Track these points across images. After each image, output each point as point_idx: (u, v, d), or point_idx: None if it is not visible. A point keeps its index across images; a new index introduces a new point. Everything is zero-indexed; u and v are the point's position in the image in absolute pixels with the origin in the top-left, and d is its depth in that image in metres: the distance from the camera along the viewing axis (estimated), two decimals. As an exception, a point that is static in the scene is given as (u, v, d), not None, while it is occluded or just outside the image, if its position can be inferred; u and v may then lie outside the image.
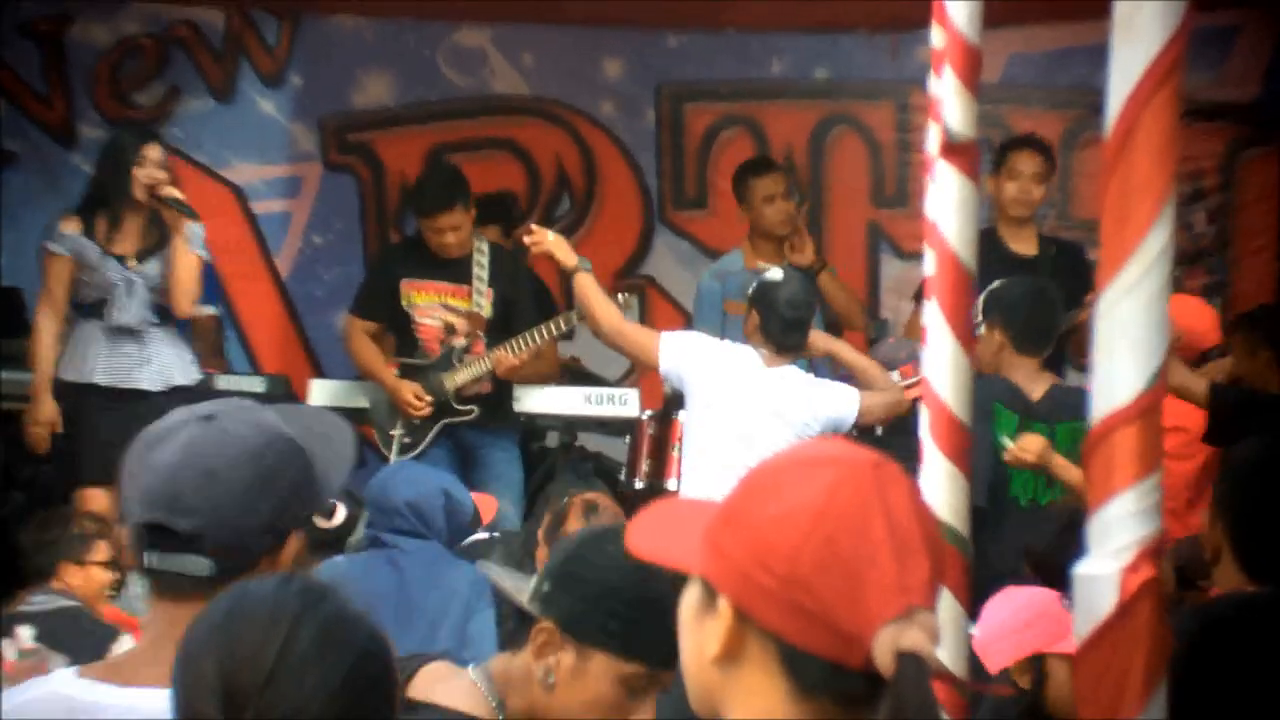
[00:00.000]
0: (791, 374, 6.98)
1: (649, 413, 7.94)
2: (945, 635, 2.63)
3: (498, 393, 7.91)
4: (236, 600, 1.93)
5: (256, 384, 8.12)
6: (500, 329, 7.87)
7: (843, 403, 6.96)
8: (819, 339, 7.27)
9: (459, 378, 7.89)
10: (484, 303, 7.92)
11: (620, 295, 7.51)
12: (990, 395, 6.30)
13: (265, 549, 2.37)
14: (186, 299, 7.33)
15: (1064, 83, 9.54)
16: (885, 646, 1.70)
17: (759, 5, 9.27)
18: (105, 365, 7.25)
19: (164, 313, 7.35)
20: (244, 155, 9.79)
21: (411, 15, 9.75)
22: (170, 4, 9.72)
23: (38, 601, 5.84)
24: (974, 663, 3.91)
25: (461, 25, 9.84)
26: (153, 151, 7.29)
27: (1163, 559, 1.99)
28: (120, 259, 7.28)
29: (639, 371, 8.72)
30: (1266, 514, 3.32)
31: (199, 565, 2.30)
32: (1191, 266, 9.22)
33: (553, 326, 7.78)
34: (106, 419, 7.07)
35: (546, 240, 7.30)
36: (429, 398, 7.85)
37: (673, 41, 9.90)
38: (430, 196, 7.91)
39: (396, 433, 7.88)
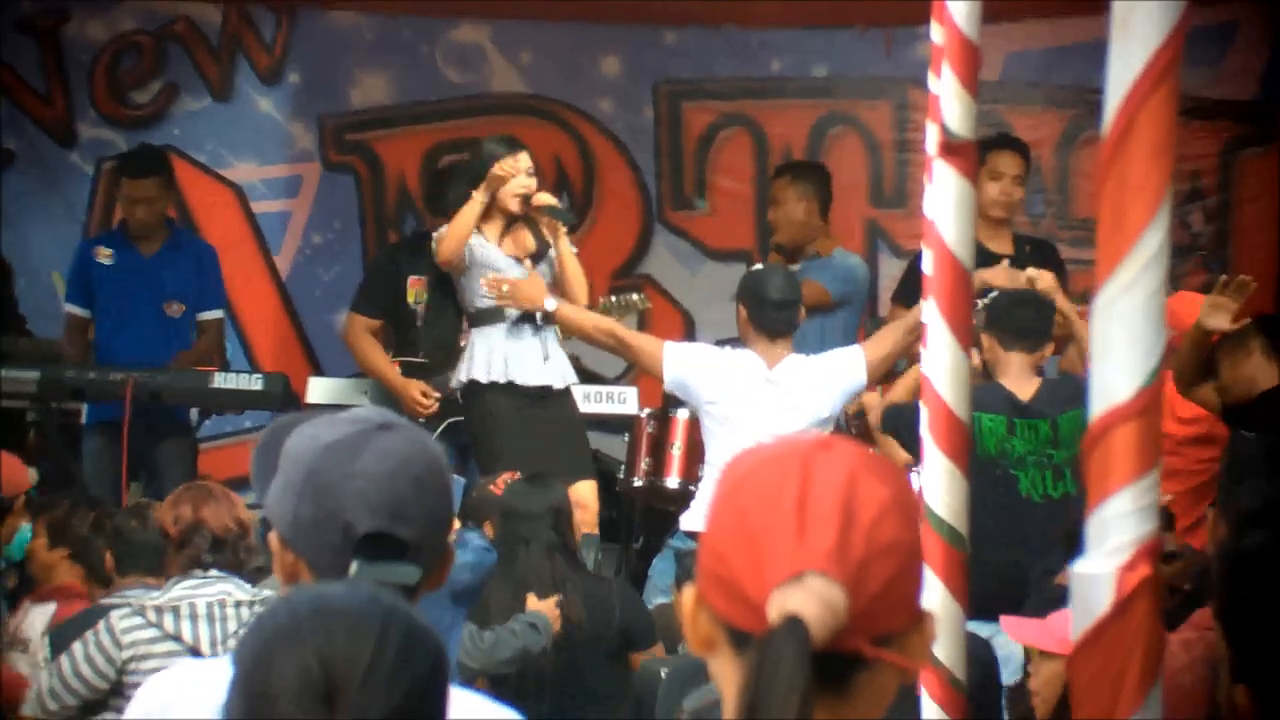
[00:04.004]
0: (794, 364, 6.99)
1: (647, 410, 7.95)
2: (943, 634, 2.64)
3: None
4: (320, 599, 1.91)
5: (255, 382, 8.13)
6: None
7: (849, 365, 7.00)
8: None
9: None
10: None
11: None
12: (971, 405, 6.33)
13: (441, 557, 2.41)
14: (584, 296, 7.46)
15: (1062, 81, 9.55)
16: (774, 611, 1.68)
17: (757, 3, 9.27)
18: (516, 364, 7.35)
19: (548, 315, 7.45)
20: (242, 154, 9.79)
21: (409, 12, 9.75)
22: (167, 0, 9.72)
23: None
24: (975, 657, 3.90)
25: (460, 22, 9.84)
26: (524, 161, 7.38)
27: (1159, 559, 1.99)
28: (518, 261, 7.38)
29: (638, 370, 8.72)
30: (1242, 514, 3.33)
31: (410, 573, 2.32)
32: (1186, 259, 9.22)
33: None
34: (520, 414, 7.27)
35: (502, 292, 7.27)
36: (436, 394, 7.83)
37: (671, 39, 9.90)
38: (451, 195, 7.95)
39: None
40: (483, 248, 7.35)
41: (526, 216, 7.42)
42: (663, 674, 5.47)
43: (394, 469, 2.35)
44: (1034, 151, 8.54)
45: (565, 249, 7.41)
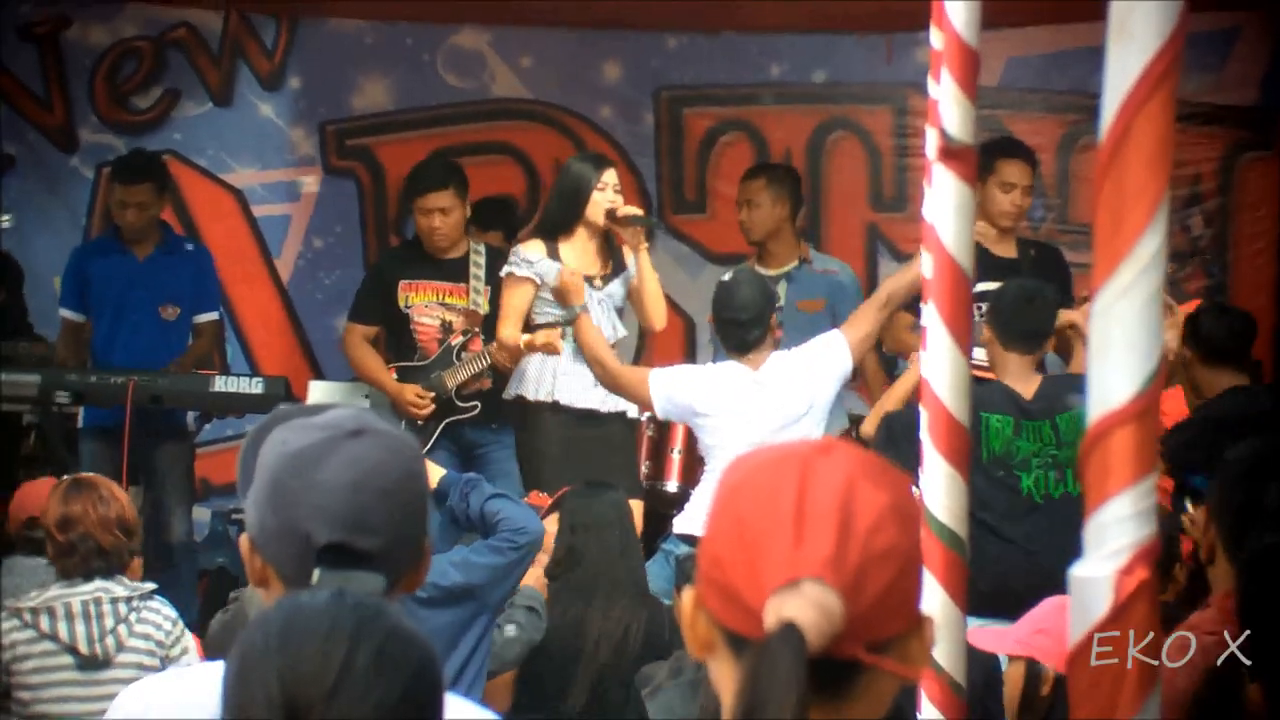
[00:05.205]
0: (777, 362, 6.98)
1: (648, 415, 7.94)
2: (943, 638, 2.64)
3: (498, 389, 7.91)
4: (291, 615, 1.92)
5: (256, 385, 8.14)
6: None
7: (832, 351, 7.00)
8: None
9: (460, 375, 7.89)
10: (481, 300, 7.94)
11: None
12: (977, 405, 6.35)
13: (411, 563, 2.39)
14: (660, 316, 7.52)
15: (1062, 86, 9.56)
16: (771, 618, 1.69)
17: (757, 8, 9.28)
18: (565, 384, 7.36)
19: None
20: (243, 159, 9.80)
21: (410, 18, 9.76)
22: (167, 6, 9.73)
23: None
24: (977, 662, 3.91)
25: (460, 28, 9.85)
26: (610, 177, 7.41)
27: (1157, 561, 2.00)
28: (590, 280, 7.39)
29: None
30: (1256, 515, 3.33)
31: (375, 583, 2.30)
32: (1186, 263, 9.25)
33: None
34: (567, 434, 7.27)
35: (566, 277, 7.27)
36: (431, 394, 7.85)
37: (671, 45, 9.91)
38: (423, 176, 7.98)
39: None
40: (549, 265, 7.37)
41: (607, 235, 7.45)
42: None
43: (357, 479, 2.33)
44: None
45: (646, 265, 7.46)
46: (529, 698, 6.16)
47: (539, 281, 7.39)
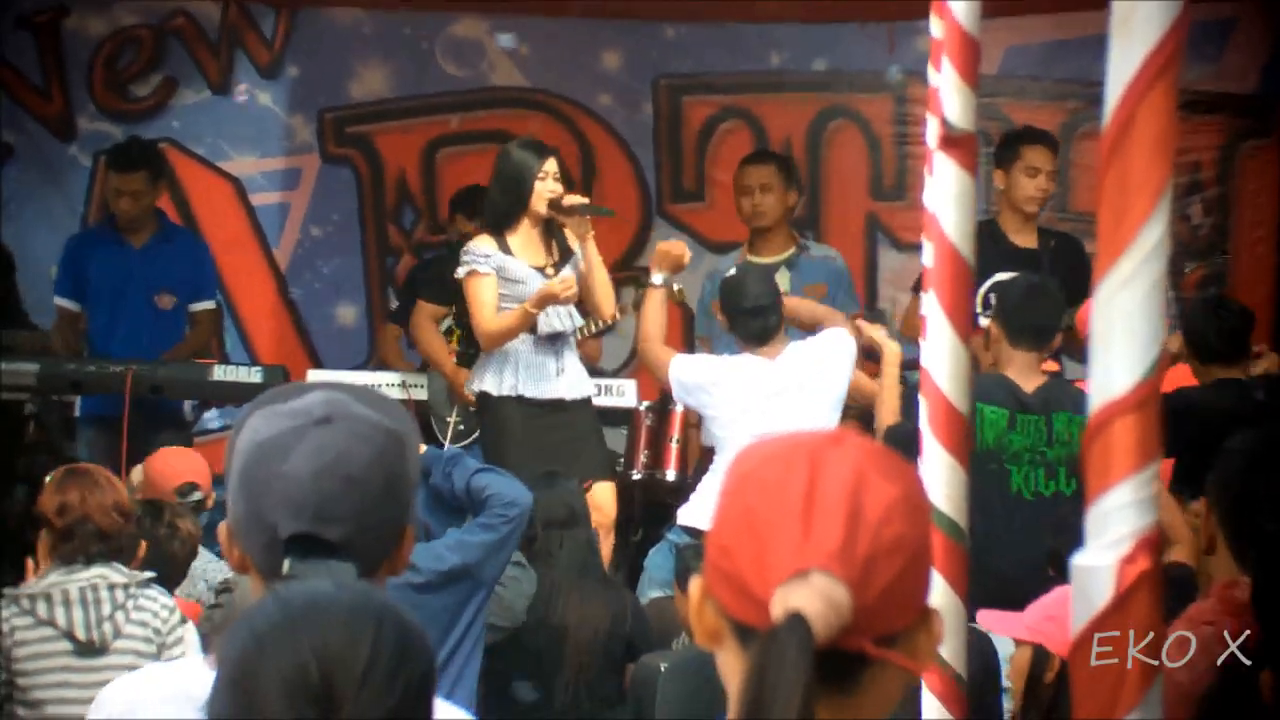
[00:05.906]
0: (793, 354, 7.03)
1: (646, 403, 7.96)
2: (944, 629, 2.64)
3: None
4: (307, 601, 1.89)
5: (255, 374, 8.14)
6: None
7: (842, 345, 7.07)
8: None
9: None
10: None
11: (675, 287, 7.53)
12: (974, 394, 6.34)
13: (390, 549, 2.37)
14: (609, 304, 7.47)
15: (1061, 74, 9.56)
16: (778, 608, 1.68)
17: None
18: (527, 376, 7.34)
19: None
20: (241, 147, 9.80)
21: (408, 7, 9.76)
22: (166, -4, 9.74)
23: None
24: (977, 653, 3.91)
25: (459, 17, 9.85)
26: (551, 165, 7.35)
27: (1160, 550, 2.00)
28: (541, 270, 7.35)
29: (637, 364, 8.73)
30: (1260, 504, 3.34)
31: (345, 570, 2.28)
32: (1196, 263, 9.28)
33: (590, 325, 7.80)
34: (531, 423, 7.24)
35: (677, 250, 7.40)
36: None
37: (670, 33, 9.91)
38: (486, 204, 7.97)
39: (452, 419, 7.92)
40: (503, 259, 7.35)
41: (550, 222, 7.40)
42: (661, 669, 5.47)
43: (319, 469, 2.30)
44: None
45: (594, 254, 7.39)
46: (500, 687, 6.16)
47: (499, 275, 7.34)
